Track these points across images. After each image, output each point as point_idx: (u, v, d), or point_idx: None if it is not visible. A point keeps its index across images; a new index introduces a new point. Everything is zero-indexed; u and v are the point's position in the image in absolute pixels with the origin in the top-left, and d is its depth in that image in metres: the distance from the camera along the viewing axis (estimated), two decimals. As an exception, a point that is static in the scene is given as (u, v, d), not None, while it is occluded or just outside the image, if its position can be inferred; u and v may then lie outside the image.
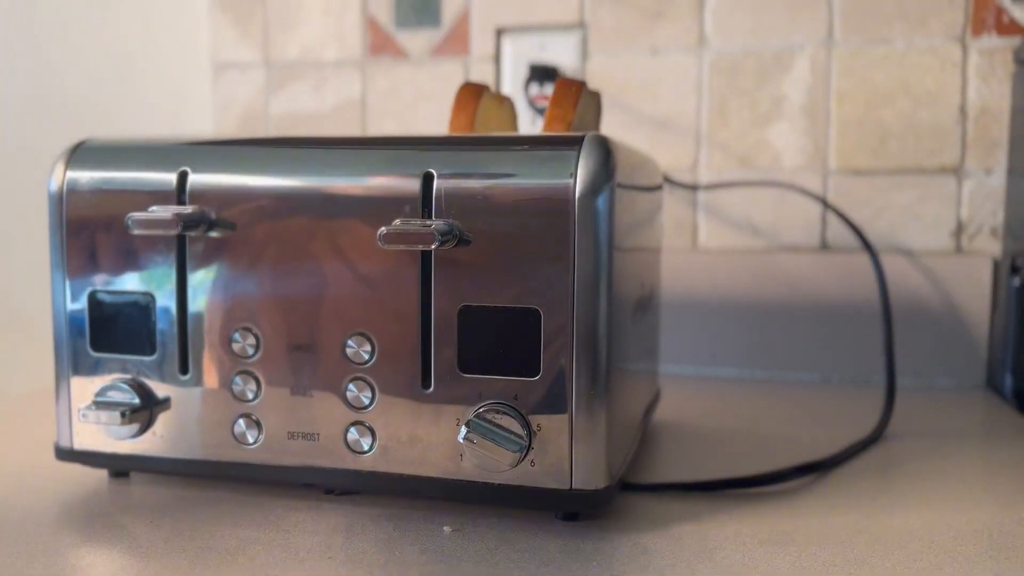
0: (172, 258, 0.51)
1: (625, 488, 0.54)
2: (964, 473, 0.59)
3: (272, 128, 1.04)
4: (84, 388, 0.53)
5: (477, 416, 0.46)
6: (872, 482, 0.57)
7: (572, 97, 0.57)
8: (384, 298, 0.48)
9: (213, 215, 0.50)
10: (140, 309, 0.52)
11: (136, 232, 0.50)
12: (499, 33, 0.97)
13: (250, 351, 0.51)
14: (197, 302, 0.51)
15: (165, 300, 0.52)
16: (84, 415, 0.51)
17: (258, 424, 0.51)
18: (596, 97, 0.64)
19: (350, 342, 0.49)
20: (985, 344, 0.85)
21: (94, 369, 0.53)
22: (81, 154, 0.54)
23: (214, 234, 0.50)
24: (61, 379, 0.54)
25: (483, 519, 0.50)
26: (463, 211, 0.47)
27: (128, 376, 0.53)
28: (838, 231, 0.89)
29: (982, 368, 0.85)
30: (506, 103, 0.64)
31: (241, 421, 0.51)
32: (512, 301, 0.47)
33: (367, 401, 0.49)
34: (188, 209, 0.50)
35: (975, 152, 0.86)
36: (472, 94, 0.59)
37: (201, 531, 0.48)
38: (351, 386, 0.49)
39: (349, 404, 0.49)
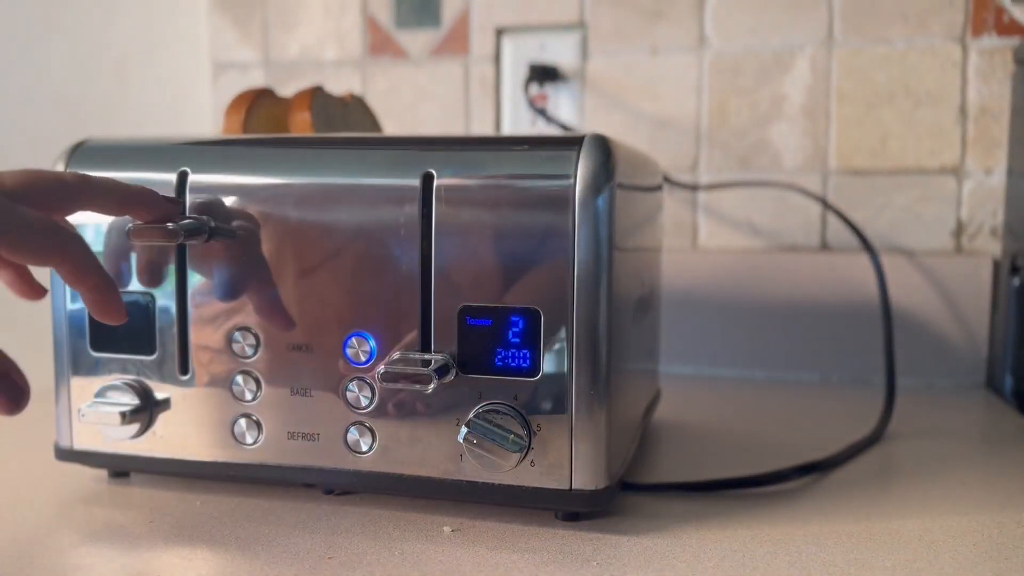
0: (172, 258, 0.51)
1: (625, 488, 0.54)
2: (964, 473, 0.59)
3: (272, 128, 1.04)
4: (84, 388, 0.53)
5: (477, 416, 0.46)
6: (872, 482, 0.57)
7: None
8: (384, 298, 0.48)
9: (213, 223, 0.50)
10: (140, 309, 0.52)
11: (136, 242, 0.50)
12: (499, 33, 0.97)
13: (250, 351, 0.51)
14: (197, 302, 0.51)
15: (165, 300, 0.52)
16: (84, 415, 0.51)
17: (258, 424, 0.51)
18: (350, 104, 0.64)
19: (350, 342, 0.49)
20: (985, 344, 0.85)
21: (94, 369, 0.53)
22: (81, 154, 0.54)
23: (214, 241, 0.50)
24: (61, 379, 0.54)
25: (483, 519, 0.50)
26: (463, 211, 0.47)
27: (128, 376, 0.53)
28: (838, 231, 0.89)
29: (982, 368, 0.85)
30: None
31: (241, 421, 0.51)
32: (512, 301, 0.47)
33: (367, 401, 0.49)
34: (188, 220, 0.50)
35: (975, 152, 0.86)
36: (245, 100, 0.60)
37: (201, 531, 0.48)
38: (351, 386, 0.49)
39: (349, 404, 0.49)
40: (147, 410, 0.52)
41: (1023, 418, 0.74)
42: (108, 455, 0.54)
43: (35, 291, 0.48)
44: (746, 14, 0.90)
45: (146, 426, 0.52)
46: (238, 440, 0.51)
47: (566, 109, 0.95)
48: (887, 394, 0.71)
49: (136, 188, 0.48)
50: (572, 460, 0.47)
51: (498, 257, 0.47)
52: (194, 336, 0.51)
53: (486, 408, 0.47)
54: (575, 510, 0.48)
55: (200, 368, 0.51)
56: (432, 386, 0.46)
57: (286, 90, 1.03)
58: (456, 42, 0.98)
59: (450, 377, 0.47)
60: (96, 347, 0.53)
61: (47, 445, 0.60)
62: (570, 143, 0.47)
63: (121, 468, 0.55)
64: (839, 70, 0.88)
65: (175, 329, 0.52)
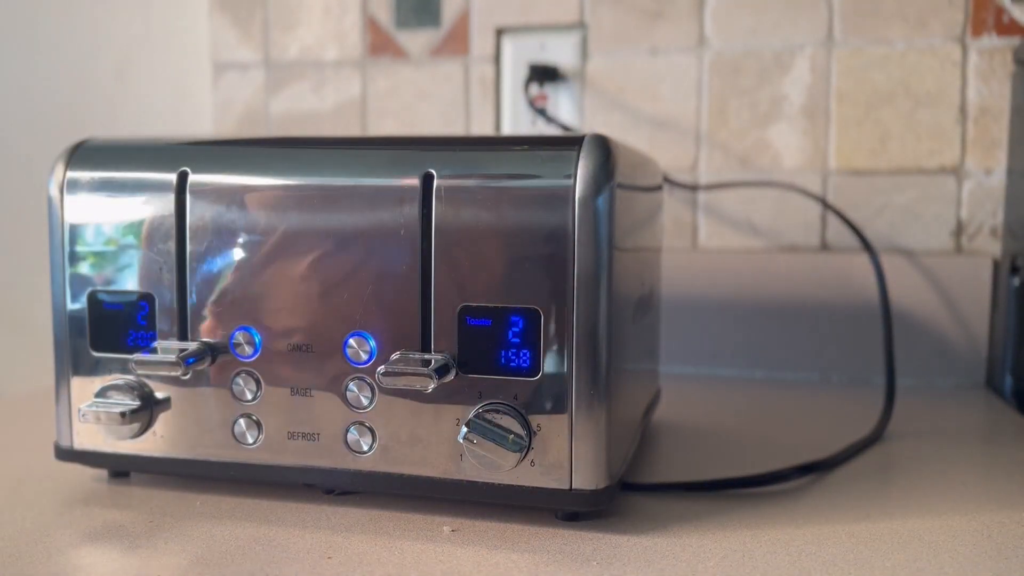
0: (172, 258, 0.51)
1: (625, 488, 0.54)
2: (964, 473, 0.59)
3: (272, 128, 1.04)
4: (84, 388, 0.53)
5: (477, 416, 0.46)
6: (872, 482, 0.57)
7: None
8: (384, 298, 0.48)
9: (211, 356, 0.51)
10: (140, 309, 0.52)
11: (140, 372, 0.51)
12: (499, 33, 0.97)
13: (250, 351, 0.51)
14: (197, 302, 0.51)
15: (165, 300, 0.52)
16: (84, 415, 0.51)
17: (258, 424, 0.51)
18: None
19: (350, 342, 0.49)
20: (985, 344, 0.85)
21: (94, 369, 0.53)
22: (81, 154, 0.54)
23: (215, 241, 0.50)
24: (61, 379, 0.54)
25: (483, 519, 0.50)
26: (463, 211, 0.47)
27: (128, 376, 0.53)
28: (838, 231, 0.89)
29: (982, 368, 0.85)
30: None
31: (241, 421, 0.51)
32: (512, 301, 0.47)
33: (367, 401, 0.49)
34: (192, 345, 0.50)
35: (975, 152, 0.86)
36: None
37: (201, 531, 0.48)
38: (351, 386, 0.49)
39: (349, 404, 0.49)
40: (147, 410, 0.52)
41: (1023, 418, 0.74)
42: (108, 455, 0.54)
43: None
44: (746, 14, 0.90)
45: (146, 426, 0.52)
46: (238, 440, 0.51)
47: (566, 109, 0.95)
48: (887, 394, 0.71)
49: None
50: (572, 460, 0.47)
51: (498, 257, 0.47)
52: (193, 336, 0.51)
53: (486, 408, 0.47)
54: (575, 510, 0.48)
55: (200, 368, 0.51)
56: (432, 386, 0.46)
57: (285, 90, 1.04)
58: (456, 42, 0.98)
59: (450, 377, 0.47)
60: (96, 347, 0.53)
61: (47, 445, 0.60)
62: (570, 143, 0.47)
63: (121, 468, 0.55)
64: (839, 70, 0.88)
65: (175, 329, 0.52)
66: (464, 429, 0.46)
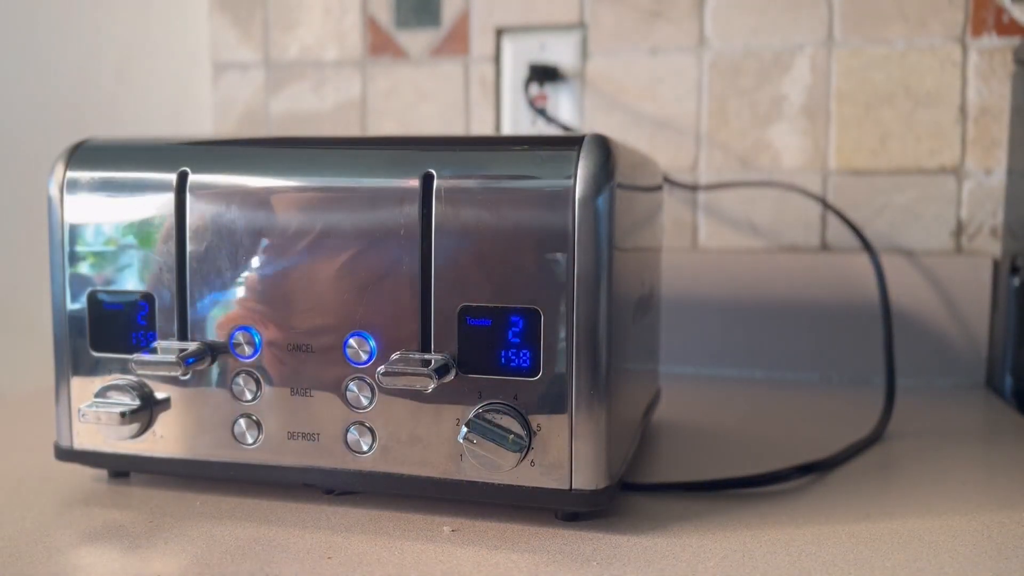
0: (172, 257, 0.51)
1: (625, 488, 0.54)
2: (964, 473, 0.59)
3: (272, 128, 1.04)
4: (84, 388, 0.53)
5: (477, 416, 0.46)
6: (872, 482, 0.57)
7: None
8: (384, 298, 0.48)
9: (211, 356, 0.51)
10: (140, 309, 0.52)
11: (140, 372, 0.51)
12: (499, 33, 0.97)
13: (250, 351, 0.51)
14: (197, 302, 0.51)
15: (165, 300, 0.52)
16: (84, 415, 0.51)
17: (258, 424, 0.51)
18: None
19: (350, 342, 0.49)
20: (985, 344, 0.85)
21: (94, 369, 0.53)
22: (81, 154, 0.54)
23: (216, 241, 0.50)
24: (61, 379, 0.54)
25: (483, 519, 0.50)
26: (463, 211, 0.47)
27: (128, 376, 0.53)
28: (838, 231, 0.89)
29: (982, 368, 0.85)
30: None
31: (241, 421, 0.51)
32: (512, 301, 0.47)
33: (367, 401, 0.49)
34: (192, 345, 0.50)
35: (975, 152, 0.86)
36: None
37: (201, 531, 0.48)
38: (351, 386, 0.49)
39: (349, 404, 0.49)
40: (147, 410, 0.52)
41: (1023, 418, 0.74)
42: (108, 455, 0.54)
43: None
44: (746, 14, 0.90)
45: (146, 426, 0.52)
46: (238, 440, 0.51)
47: (566, 109, 0.95)
48: (887, 394, 0.71)
49: None
50: (572, 460, 0.47)
51: (498, 257, 0.47)
52: (194, 336, 0.51)
53: (486, 408, 0.47)
54: (575, 510, 0.48)
55: (200, 368, 0.51)
56: (432, 386, 0.46)
57: (285, 90, 1.04)
58: (456, 42, 0.98)
59: (450, 377, 0.47)
60: (96, 347, 0.53)
61: (47, 445, 0.60)
62: (570, 143, 0.47)
63: (121, 468, 0.55)
64: (839, 70, 0.88)
65: (175, 329, 0.52)
66: (464, 429, 0.46)
